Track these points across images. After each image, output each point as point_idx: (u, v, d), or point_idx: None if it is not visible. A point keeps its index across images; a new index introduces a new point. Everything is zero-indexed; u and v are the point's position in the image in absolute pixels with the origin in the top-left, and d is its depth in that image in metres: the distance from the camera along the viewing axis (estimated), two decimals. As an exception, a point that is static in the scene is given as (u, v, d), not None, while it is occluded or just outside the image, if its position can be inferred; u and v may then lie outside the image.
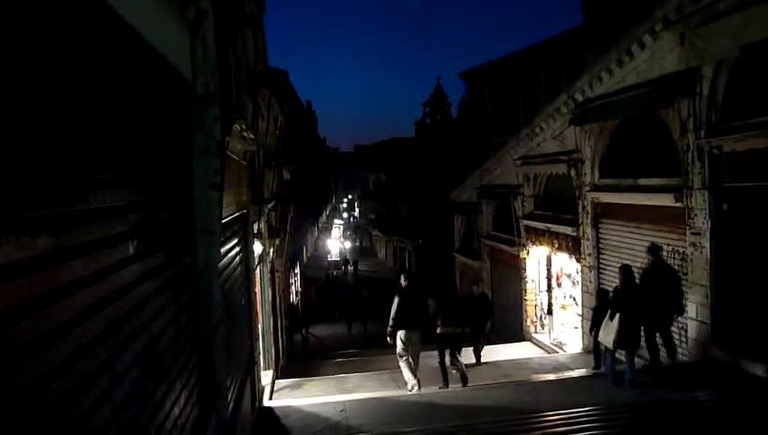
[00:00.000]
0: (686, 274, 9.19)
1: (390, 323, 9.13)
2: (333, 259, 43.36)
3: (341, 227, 62.99)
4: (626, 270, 8.52)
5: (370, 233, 56.20)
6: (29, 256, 1.65)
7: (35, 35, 1.78)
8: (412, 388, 8.97)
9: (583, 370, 10.53)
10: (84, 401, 2.04)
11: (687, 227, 9.05)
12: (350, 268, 37.77)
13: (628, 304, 8.12)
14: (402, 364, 9.12)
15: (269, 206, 11.06)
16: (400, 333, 9.05)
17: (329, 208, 65.50)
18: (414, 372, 9.04)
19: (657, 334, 8.60)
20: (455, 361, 9.50)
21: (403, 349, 9.06)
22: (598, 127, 11.76)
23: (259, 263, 9.66)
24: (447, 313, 9.39)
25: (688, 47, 8.59)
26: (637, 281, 8.49)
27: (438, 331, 9.42)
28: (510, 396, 8.33)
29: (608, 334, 8.21)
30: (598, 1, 19.60)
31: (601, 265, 11.81)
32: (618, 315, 8.04)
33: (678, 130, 9.14)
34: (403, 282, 9.42)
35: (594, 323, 9.21)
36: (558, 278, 14.26)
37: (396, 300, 9.10)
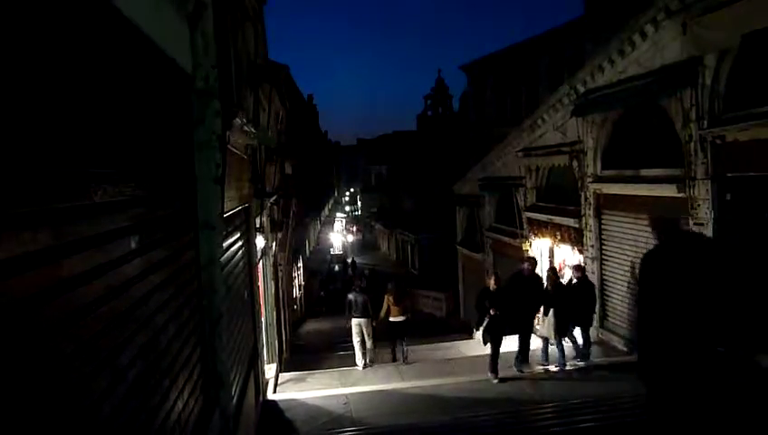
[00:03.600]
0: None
1: (346, 314, 11.75)
2: (336, 253, 43.39)
3: (344, 220, 63.02)
4: (554, 272, 10.63)
5: (372, 226, 56.21)
6: (30, 252, 1.65)
7: (34, 31, 1.77)
8: (363, 366, 11.18)
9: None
10: (88, 394, 2.04)
11: (690, 218, 9.02)
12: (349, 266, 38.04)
13: (558, 300, 9.79)
14: (356, 346, 11.42)
15: (271, 200, 11.07)
16: (353, 322, 11.43)
17: (331, 202, 65.54)
18: (364, 353, 11.34)
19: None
20: (400, 346, 11.90)
21: (356, 334, 11.40)
22: (600, 118, 11.72)
23: (262, 257, 9.68)
24: (395, 305, 11.78)
25: (690, 36, 8.54)
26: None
27: (390, 319, 11.81)
28: (512, 387, 8.36)
29: (548, 328, 9.98)
30: (599, -9, 19.47)
31: (604, 257, 11.80)
32: (551, 311, 9.77)
33: (681, 120, 9.10)
34: (357, 284, 12.12)
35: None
36: (560, 270, 14.24)
37: (348, 297, 11.68)
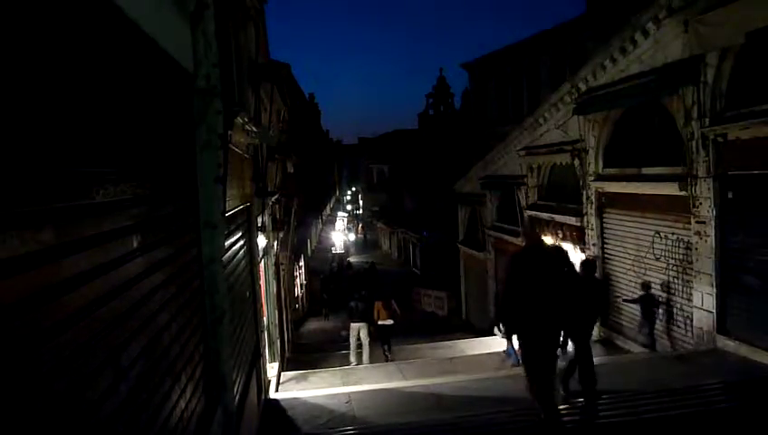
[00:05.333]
0: (691, 262, 9.18)
1: (347, 318, 13.56)
2: (337, 252, 43.38)
3: (345, 219, 62.99)
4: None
5: (375, 225, 56.22)
6: (32, 251, 1.65)
7: (36, 31, 1.78)
8: (356, 363, 12.61)
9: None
10: (91, 393, 2.05)
11: (692, 216, 9.02)
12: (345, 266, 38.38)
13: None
14: (352, 346, 13.09)
15: (273, 199, 11.08)
16: (353, 325, 12.99)
17: (333, 201, 65.54)
18: (359, 353, 12.91)
19: None
20: (386, 347, 13.60)
21: (354, 336, 12.98)
22: (601, 116, 11.71)
23: (263, 256, 9.69)
24: (384, 310, 13.42)
25: (692, 35, 8.53)
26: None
27: (379, 322, 13.36)
28: (514, 386, 8.34)
29: None
30: (601, -11, 19.44)
31: (606, 255, 11.80)
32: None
33: (683, 118, 9.09)
34: (358, 294, 13.56)
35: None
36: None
37: (350, 304, 13.20)
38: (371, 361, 12.73)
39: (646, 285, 10.06)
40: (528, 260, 5.69)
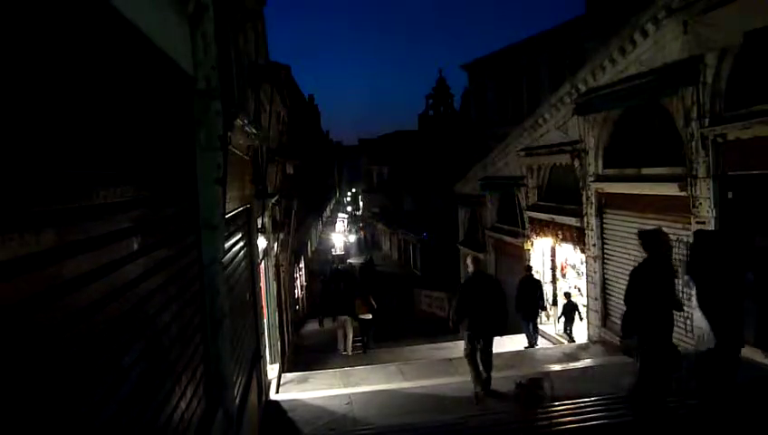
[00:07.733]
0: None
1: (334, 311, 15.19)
2: (338, 253, 43.36)
3: (345, 220, 63.01)
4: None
5: (375, 226, 56.22)
6: (33, 253, 1.66)
7: (35, 33, 1.78)
8: (345, 351, 14.52)
9: (589, 360, 10.55)
10: (91, 395, 2.05)
11: (692, 216, 9.01)
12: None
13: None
14: (339, 336, 14.81)
15: (273, 200, 11.07)
16: (340, 318, 14.67)
17: (333, 202, 65.53)
18: (345, 342, 14.63)
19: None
20: (365, 339, 15.13)
21: (340, 327, 14.74)
22: (601, 117, 11.71)
23: (263, 257, 9.69)
24: (363, 305, 15.04)
25: (692, 35, 8.53)
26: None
27: (360, 317, 14.91)
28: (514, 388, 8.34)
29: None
30: (600, -10, 19.46)
31: (606, 256, 11.79)
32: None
33: (682, 118, 9.09)
34: (342, 287, 16.21)
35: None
36: (563, 269, 14.25)
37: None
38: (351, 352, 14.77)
39: (567, 294, 13.18)
40: (473, 283, 8.18)
